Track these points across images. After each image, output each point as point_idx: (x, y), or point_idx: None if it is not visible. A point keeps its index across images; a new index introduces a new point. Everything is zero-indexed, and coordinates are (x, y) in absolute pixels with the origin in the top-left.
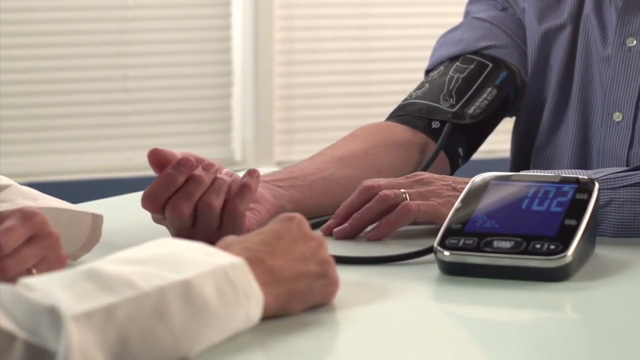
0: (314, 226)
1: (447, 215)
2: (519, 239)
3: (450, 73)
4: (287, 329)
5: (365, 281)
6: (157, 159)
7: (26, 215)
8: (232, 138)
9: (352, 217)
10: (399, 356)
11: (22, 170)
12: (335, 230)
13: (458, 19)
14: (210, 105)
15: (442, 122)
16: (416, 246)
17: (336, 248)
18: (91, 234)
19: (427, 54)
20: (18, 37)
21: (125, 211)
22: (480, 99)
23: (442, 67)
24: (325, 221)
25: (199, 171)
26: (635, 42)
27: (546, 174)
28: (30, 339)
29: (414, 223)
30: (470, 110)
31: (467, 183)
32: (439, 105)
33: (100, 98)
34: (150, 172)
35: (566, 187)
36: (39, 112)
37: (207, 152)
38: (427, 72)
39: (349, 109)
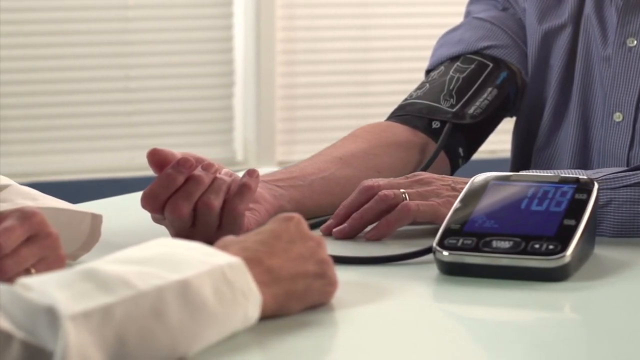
0: (314, 226)
1: (446, 215)
2: (517, 239)
3: (451, 73)
4: (285, 328)
5: (364, 281)
6: (157, 159)
7: (25, 215)
8: (233, 138)
9: (352, 217)
10: (398, 356)
11: (23, 170)
12: (334, 230)
13: (459, 19)
14: (212, 105)
15: (443, 122)
16: (415, 246)
17: (335, 248)
18: (90, 234)
19: (428, 54)
20: (19, 37)
21: (125, 211)
22: (481, 99)
23: (442, 67)
24: (325, 221)
25: (198, 171)
26: (635, 42)
27: (545, 174)
28: (28, 338)
29: (413, 223)
30: (471, 110)
31: (466, 183)
32: (439, 105)
33: (102, 98)
34: (152, 172)
35: (565, 187)
36: (40, 112)
37: (208, 152)
38: (428, 72)
39: (350, 109)
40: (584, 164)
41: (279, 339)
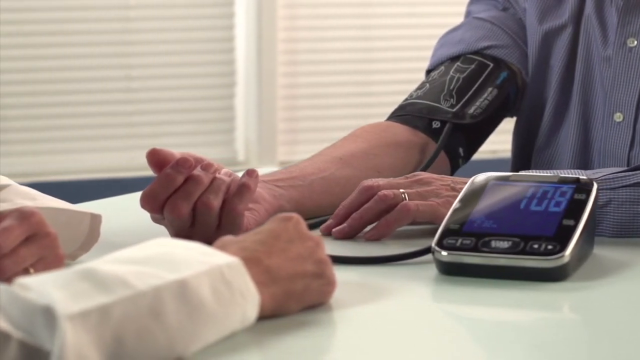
0: (313, 226)
1: (446, 215)
2: (516, 239)
3: (451, 73)
4: (283, 328)
5: (363, 281)
6: (156, 159)
7: (24, 215)
8: (235, 138)
9: (351, 217)
10: (397, 356)
11: (23, 170)
12: (334, 230)
13: (459, 19)
14: (213, 105)
15: (443, 122)
16: (415, 246)
17: (335, 248)
18: (90, 234)
19: (430, 54)
20: (19, 37)
21: (125, 211)
22: (481, 99)
23: (442, 67)
24: (324, 221)
25: (197, 171)
26: (636, 42)
27: (545, 174)
28: (25, 338)
29: (413, 223)
30: (471, 110)
31: (466, 183)
32: (439, 105)
33: (103, 98)
34: (153, 173)
35: (565, 188)
36: (40, 112)
37: (210, 152)
38: (428, 72)
39: (352, 109)
40: (585, 164)
41: (278, 339)
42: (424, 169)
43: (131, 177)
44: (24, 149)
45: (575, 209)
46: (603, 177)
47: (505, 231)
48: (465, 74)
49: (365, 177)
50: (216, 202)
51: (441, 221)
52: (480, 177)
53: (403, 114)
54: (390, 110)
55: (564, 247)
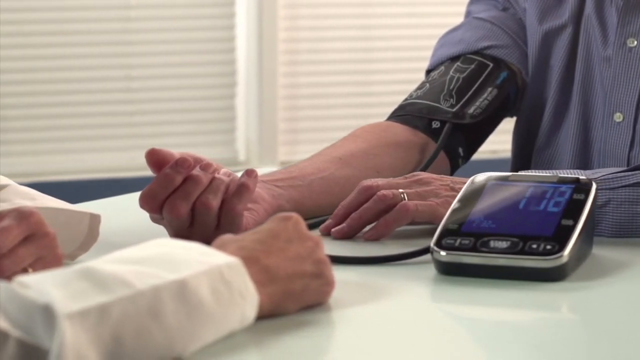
0: (313, 226)
1: (445, 215)
2: (515, 239)
3: (451, 73)
4: (282, 328)
5: (361, 281)
6: (155, 158)
7: (22, 215)
8: (236, 138)
9: (350, 217)
10: (395, 356)
11: (23, 170)
12: (333, 230)
13: (459, 19)
14: (214, 105)
15: (442, 122)
16: (414, 246)
17: (334, 248)
18: (89, 234)
19: (430, 54)
20: (19, 37)
21: (124, 211)
22: (481, 99)
23: (442, 67)
24: (324, 221)
25: (196, 171)
26: (635, 42)
27: (544, 174)
28: (23, 337)
29: (412, 223)
30: (471, 110)
31: (465, 183)
32: (439, 105)
33: (103, 98)
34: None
35: (563, 188)
36: (40, 112)
37: (211, 152)
38: (428, 72)
39: (353, 109)
40: (585, 164)
41: (277, 339)
42: (424, 169)
43: (131, 177)
44: (24, 149)
45: (574, 209)
46: (602, 177)
47: (504, 231)
48: (465, 74)
49: (365, 177)
50: (215, 202)
51: (440, 221)
52: (480, 177)
53: (403, 114)
54: (390, 110)
55: (562, 247)
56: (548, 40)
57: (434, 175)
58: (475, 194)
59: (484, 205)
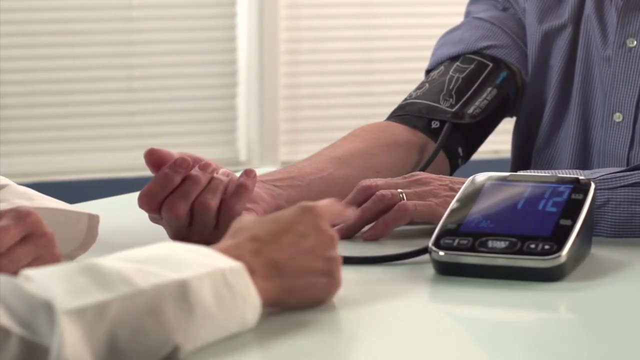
0: None
1: (444, 215)
2: (513, 239)
3: (450, 73)
4: (284, 328)
5: (361, 281)
6: (154, 158)
7: (20, 215)
8: (237, 138)
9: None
10: (394, 356)
11: (23, 170)
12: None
13: (459, 19)
14: (215, 105)
15: (442, 121)
16: (413, 246)
17: None
18: (88, 234)
19: (430, 54)
20: (20, 37)
21: (124, 211)
22: (480, 99)
23: (442, 67)
24: None
25: (195, 171)
26: (635, 42)
27: (543, 174)
28: (25, 335)
29: (411, 223)
30: (470, 110)
31: (464, 183)
32: (438, 105)
33: (104, 98)
34: None
35: (562, 187)
36: (41, 112)
37: (212, 152)
38: (428, 71)
39: (354, 109)
40: (584, 164)
41: (277, 338)
42: (423, 169)
43: (132, 177)
44: (24, 149)
45: (572, 208)
46: (601, 177)
47: (503, 231)
48: (464, 74)
49: (364, 177)
50: (214, 202)
51: (439, 221)
52: (478, 177)
53: (402, 114)
54: (391, 110)
55: (560, 247)
56: (548, 40)
57: (433, 175)
58: (474, 194)
59: (482, 205)
